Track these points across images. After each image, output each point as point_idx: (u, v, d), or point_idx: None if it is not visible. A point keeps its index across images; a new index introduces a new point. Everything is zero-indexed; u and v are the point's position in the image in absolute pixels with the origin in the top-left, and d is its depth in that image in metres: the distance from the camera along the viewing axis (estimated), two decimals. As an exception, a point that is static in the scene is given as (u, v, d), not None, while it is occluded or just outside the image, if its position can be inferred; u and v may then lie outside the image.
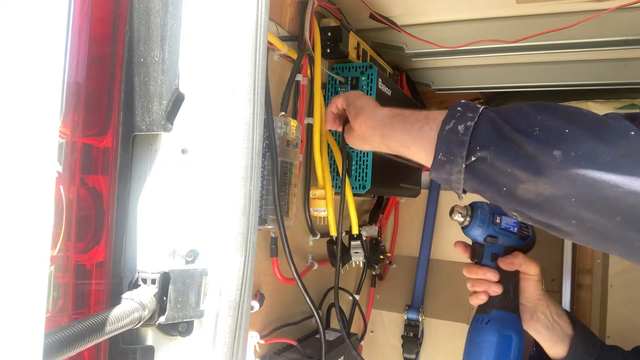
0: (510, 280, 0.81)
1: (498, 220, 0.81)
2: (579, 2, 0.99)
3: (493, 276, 0.80)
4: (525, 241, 0.84)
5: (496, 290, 0.80)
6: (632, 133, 0.52)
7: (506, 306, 0.81)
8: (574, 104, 1.46)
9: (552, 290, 1.51)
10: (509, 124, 0.58)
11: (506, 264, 0.81)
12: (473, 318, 0.83)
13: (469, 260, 0.86)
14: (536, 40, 1.09)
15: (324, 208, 1.03)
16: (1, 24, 0.34)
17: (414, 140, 0.70)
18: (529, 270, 0.81)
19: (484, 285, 0.81)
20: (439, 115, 0.67)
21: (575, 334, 0.80)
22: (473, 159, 0.59)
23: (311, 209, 1.06)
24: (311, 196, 1.04)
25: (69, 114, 0.50)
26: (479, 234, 0.81)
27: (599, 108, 1.44)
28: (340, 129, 0.91)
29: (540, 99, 1.51)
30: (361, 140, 0.83)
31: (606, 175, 0.50)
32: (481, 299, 0.82)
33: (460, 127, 0.61)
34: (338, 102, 0.89)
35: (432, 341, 1.59)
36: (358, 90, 0.97)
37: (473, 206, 0.82)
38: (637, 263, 0.56)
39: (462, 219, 0.81)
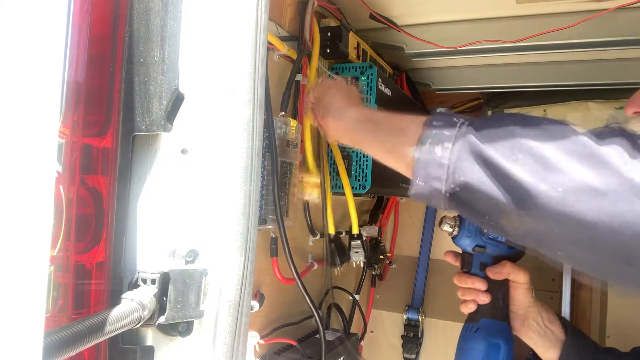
0: (499, 289, 0.82)
1: (486, 230, 0.82)
2: (579, 2, 0.99)
3: (481, 285, 0.81)
4: (513, 250, 0.84)
5: (484, 299, 0.81)
6: (625, 165, 0.47)
7: (495, 314, 0.82)
8: (574, 104, 1.46)
9: (552, 290, 1.51)
10: (491, 147, 0.52)
11: (494, 273, 0.81)
12: (463, 327, 0.84)
13: None
14: (536, 40, 1.09)
15: (310, 192, 1.01)
16: (1, 24, 0.34)
17: (388, 155, 0.67)
18: (517, 278, 0.81)
19: (472, 294, 0.81)
20: (410, 128, 0.62)
21: (567, 338, 0.81)
22: (452, 186, 0.55)
23: (298, 192, 1.03)
24: (299, 179, 1.02)
25: (68, 114, 0.50)
26: (467, 243, 0.83)
27: (599, 108, 1.44)
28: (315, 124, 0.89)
29: (540, 98, 1.51)
30: (334, 139, 0.81)
31: (595, 216, 0.46)
32: (470, 308, 0.82)
33: (438, 149, 0.56)
34: (310, 97, 0.87)
35: (432, 341, 1.59)
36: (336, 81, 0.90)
37: (461, 216, 0.83)
38: (630, 289, 0.55)
39: (450, 229, 0.82)
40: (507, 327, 0.82)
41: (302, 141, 1.01)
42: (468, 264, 0.84)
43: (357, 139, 0.75)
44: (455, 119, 0.58)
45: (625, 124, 0.71)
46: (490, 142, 0.53)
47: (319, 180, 1.02)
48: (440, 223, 0.83)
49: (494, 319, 0.81)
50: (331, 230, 1.11)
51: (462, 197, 0.55)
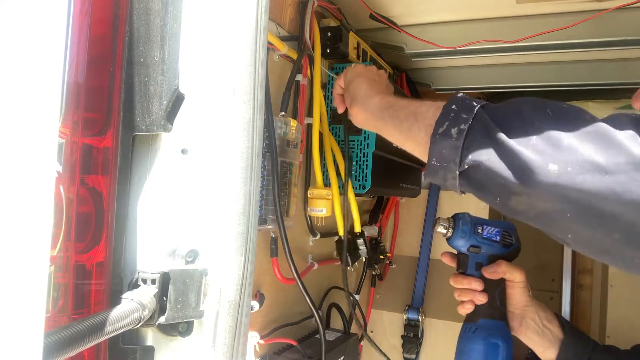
0: (496, 289, 0.82)
1: (480, 230, 0.82)
2: (579, 2, 0.99)
3: (478, 285, 0.81)
4: (508, 249, 0.85)
5: (481, 299, 0.81)
6: (636, 148, 0.48)
7: (492, 314, 0.82)
8: (574, 104, 1.46)
9: (552, 290, 1.51)
10: (504, 130, 0.54)
11: (489, 272, 0.82)
12: (461, 327, 0.84)
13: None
14: (536, 40, 1.09)
15: (321, 208, 1.03)
16: (1, 24, 0.34)
17: (405, 140, 0.69)
18: (513, 277, 0.82)
19: (469, 294, 0.82)
20: (428, 112, 0.64)
21: (565, 337, 0.81)
22: (466, 166, 0.56)
23: (309, 209, 1.05)
24: (309, 195, 1.04)
25: (69, 114, 0.50)
26: (461, 244, 0.83)
27: (599, 108, 1.44)
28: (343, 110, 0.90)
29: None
30: (362, 126, 0.83)
31: (604, 193, 0.47)
32: (468, 308, 0.82)
33: (454, 131, 0.58)
34: (340, 82, 0.89)
35: (432, 341, 1.59)
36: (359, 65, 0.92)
37: (455, 217, 0.83)
38: (637, 274, 0.55)
39: (444, 231, 0.83)
40: (505, 327, 0.82)
41: (304, 143, 1.01)
42: (464, 265, 0.84)
43: (379, 127, 0.76)
44: (474, 102, 0.59)
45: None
46: (502, 124, 0.55)
47: (329, 194, 1.04)
48: (435, 224, 0.83)
49: (491, 318, 0.82)
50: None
51: (473, 177, 0.57)
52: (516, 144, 0.52)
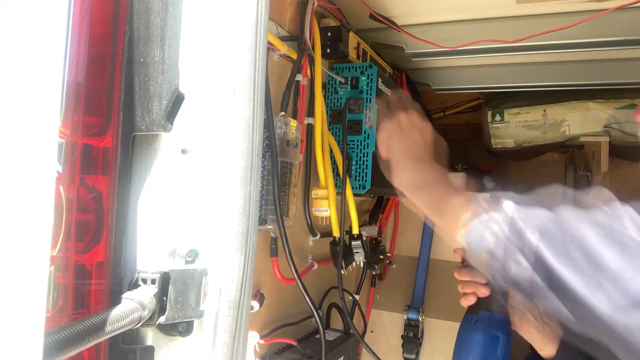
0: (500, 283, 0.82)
1: None
2: (579, 2, 0.99)
3: (481, 278, 0.82)
4: None
5: (484, 292, 0.81)
6: None
7: (494, 308, 0.82)
8: (574, 104, 1.46)
9: (552, 290, 1.51)
10: (544, 244, 0.53)
11: None
12: (462, 318, 0.84)
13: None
14: (536, 40, 1.09)
15: (326, 208, 1.03)
16: (1, 24, 0.34)
17: (440, 231, 0.71)
18: None
19: (472, 287, 0.82)
20: (457, 209, 0.65)
21: (565, 334, 0.81)
22: (510, 279, 0.57)
23: (313, 209, 1.06)
24: (313, 196, 1.04)
25: (69, 114, 0.50)
26: None
27: (599, 108, 1.44)
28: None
29: (540, 98, 1.51)
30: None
31: None
32: (470, 300, 0.83)
33: (489, 237, 0.58)
34: (386, 121, 0.88)
35: (432, 341, 1.59)
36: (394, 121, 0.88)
37: None
38: None
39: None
40: (506, 321, 0.82)
41: (304, 143, 1.01)
42: None
43: (415, 202, 0.79)
44: (528, 233, 0.57)
45: (625, 123, 0.71)
46: (540, 239, 0.54)
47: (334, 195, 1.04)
48: None
49: (492, 311, 0.82)
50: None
51: (522, 287, 0.56)
52: (557, 264, 0.52)
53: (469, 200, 0.64)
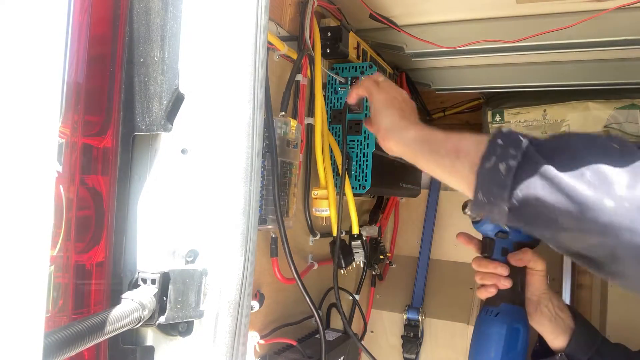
0: (518, 275, 0.83)
1: None
2: (579, 2, 0.99)
3: (503, 270, 0.82)
4: (533, 237, 0.85)
5: (506, 284, 0.81)
6: None
7: (514, 300, 0.82)
8: (574, 104, 1.46)
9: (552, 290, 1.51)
10: (556, 165, 0.53)
11: (516, 259, 0.82)
12: (481, 310, 0.84)
13: (473, 255, 0.87)
14: (536, 40, 1.09)
15: (326, 208, 1.03)
16: (1, 24, 0.34)
17: (447, 175, 0.69)
18: (536, 266, 0.83)
19: (493, 279, 0.82)
20: (470, 148, 0.63)
21: (576, 326, 0.82)
22: (516, 202, 0.56)
23: (313, 209, 1.06)
24: (313, 196, 1.04)
25: (69, 114, 0.50)
26: (490, 229, 0.83)
27: (599, 108, 1.44)
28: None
29: (540, 98, 1.51)
30: (397, 155, 0.83)
31: None
32: (490, 292, 0.83)
33: (502, 167, 0.57)
34: (361, 91, 0.89)
35: (432, 341, 1.59)
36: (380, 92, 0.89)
37: None
38: None
39: (475, 214, 0.81)
40: (524, 312, 0.83)
41: (304, 143, 1.01)
42: (490, 249, 0.84)
43: (417, 160, 0.77)
44: (520, 136, 0.59)
45: (625, 123, 0.72)
46: (553, 159, 0.54)
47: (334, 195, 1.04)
48: (464, 207, 0.81)
49: (513, 304, 0.82)
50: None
51: (523, 212, 0.56)
52: (569, 179, 0.52)
53: (480, 140, 0.62)
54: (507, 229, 0.82)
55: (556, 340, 0.82)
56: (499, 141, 0.59)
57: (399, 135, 0.79)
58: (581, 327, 0.82)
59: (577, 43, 1.14)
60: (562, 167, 0.53)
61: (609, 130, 1.43)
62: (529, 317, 0.83)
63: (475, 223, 0.83)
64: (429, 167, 0.73)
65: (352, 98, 0.93)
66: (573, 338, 0.81)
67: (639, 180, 0.49)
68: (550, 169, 0.53)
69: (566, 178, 0.52)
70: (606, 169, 0.51)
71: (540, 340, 0.85)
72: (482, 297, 0.85)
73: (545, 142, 0.58)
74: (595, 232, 0.50)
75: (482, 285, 0.84)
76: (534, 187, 0.54)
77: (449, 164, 0.67)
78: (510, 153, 0.57)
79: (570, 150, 0.55)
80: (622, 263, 0.51)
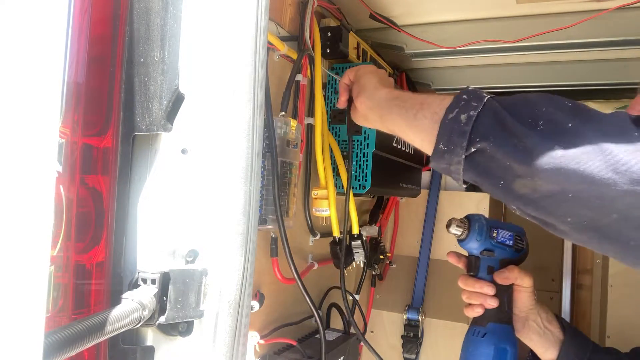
0: (505, 293, 0.82)
1: (495, 234, 0.82)
2: (579, 2, 0.99)
3: (490, 290, 0.81)
4: (519, 254, 0.85)
5: (492, 303, 0.81)
6: (636, 134, 0.50)
7: (501, 318, 0.82)
8: (574, 104, 1.46)
9: (552, 290, 1.51)
10: (513, 115, 0.56)
11: (502, 278, 0.82)
12: (468, 330, 0.84)
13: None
14: (536, 40, 1.09)
15: (326, 208, 1.03)
16: (1, 24, 0.34)
17: (409, 127, 0.70)
18: (523, 282, 0.82)
19: (480, 298, 0.82)
20: (434, 102, 0.66)
21: (565, 337, 0.81)
22: (473, 150, 0.58)
23: (313, 209, 1.06)
24: (313, 196, 1.04)
25: (69, 114, 0.50)
26: (475, 247, 0.82)
27: (599, 108, 1.43)
28: (345, 104, 0.93)
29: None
30: (363, 118, 0.86)
31: (605, 174, 0.49)
32: (477, 312, 0.82)
33: (463, 117, 0.59)
34: (350, 75, 0.91)
35: (432, 341, 1.59)
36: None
37: (470, 219, 0.82)
38: (631, 265, 0.55)
39: (459, 232, 0.81)
40: (512, 331, 0.82)
41: (304, 143, 1.01)
42: (475, 268, 0.83)
43: (384, 115, 0.79)
44: (484, 93, 0.62)
45: None
46: (511, 109, 0.57)
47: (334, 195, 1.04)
48: (449, 226, 0.82)
49: (500, 322, 0.82)
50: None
51: (479, 160, 0.59)
52: (523, 127, 0.54)
53: (444, 97, 0.65)
54: (492, 246, 0.82)
55: (546, 353, 0.82)
56: (464, 96, 0.62)
57: (370, 93, 0.82)
58: (570, 338, 0.82)
59: (577, 43, 1.15)
60: (518, 116, 0.56)
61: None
62: (517, 332, 0.83)
63: (460, 241, 0.83)
64: (394, 121, 0.75)
65: (342, 102, 0.94)
66: (562, 350, 0.81)
67: (586, 127, 0.52)
68: (507, 117, 0.56)
69: (520, 126, 0.54)
70: (558, 118, 0.54)
71: (532, 353, 0.85)
72: (469, 315, 0.84)
73: (505, 97, 0.61)
74: (545, 177, 0.52)
75: (469, 305, 0.83)
76: (491, 133, 0.57)
77: (412, 116, 0.69)
78: (472, 104, 0.60)
79: (528, 103, 0.58)
80: (571, 207, 0.53)
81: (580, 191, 0.51)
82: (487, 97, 0.60)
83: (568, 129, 0.53)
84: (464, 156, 0.59)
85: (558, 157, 0.51)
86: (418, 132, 0.68)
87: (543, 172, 0.52)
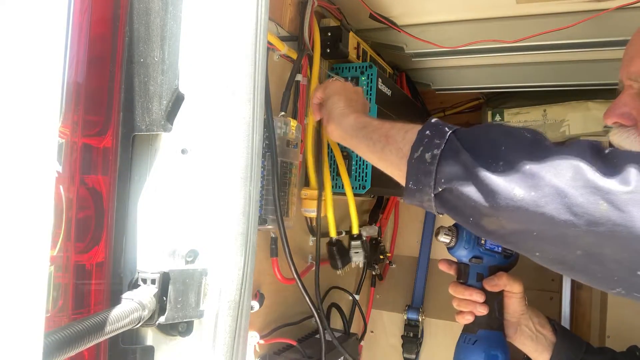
0: (495, 299, 0.83)
1: (483, 241, 0.82)
2: (579, 2, 0.99)
3: (479, 297, 0.82)
4: (509, 260, 0.85)
5: (482, 310, 0.81)
6: (592, 170, 0.51)
7: (491, 325, 0.82)
8: (574, 104, 1.46)
9: (552, 290, 1.51)
10: (474, 156, 0.57)
11: (491, 285, 0.82)
12: (460, 337, 0.84)
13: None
14: (536, 40, 1.09)
15: (314, 209, 1.03)
16: (1, 24, 0.34)
17: (379, 160, 0.72)
18: (512, 289, 0.83)
19: (469, 305, 0.82)
20: (398, 135, 0.68)
21: (557, 340, 0.82)
22: (440, 189, 0.59)
23: (302, 209, 1.05)
24: (302, 196, 1.04)
25: (69, 114, 0.50)
26: (464, 254, 0.83)
27: (599, 108, 1.44)
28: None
29: (540, 98, 1.51)
30: (337, 142, 0.88)
31: (563, 216, 0.50)
32: (467, 319, 0.83)
33: (427, 156, 0.61)
34: (319, 94, 0.91)
35: (432, 341, 1.59)
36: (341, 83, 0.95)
37: (458, 227, 0.83)
38: (602, 290, 0.56)
39: (447, 240, 0.82)
40: (503, 337, 0.82)
41: (304, 143, 1.01)
42: (464, 275, 0.84)
43: (353, 145, 0.80)
44: (446, 128, 0.62)
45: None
46: (473, 149, 0.58)
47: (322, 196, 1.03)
48: (437, 234, 0.83)
49: (490, 329, 0.82)
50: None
51: (447, 199, 0.60)
52: (484, 169, 0.55)
53: (408, 129, 0.67)
54: (480, 253, 0.82)
55: (541, 357, 0.83)
56: (427, 132, 0.63)
57: (338, 120, 0.83)
58: (562, 340, 0.82)
59: (577, 43, 1.14)
60: (479, 157, 0.57)
61: (609, 130, 1.43)
62: (510, 338, 0.83)
63: (450, 249, 0.84)
64: (364, 153, 0.77)
65: (316, 114, 0.94)
66: (554, 352, 0.82)
67: (544, 168, 0.53)
68: (469, 159, 0.57)
69: (482, 168, 0.56)
70: (516, 158, 0.55)
71: (527, 358, 0.86)
72: (460, 322, 0.85)
73: (468, 132, 0.61)
74: (508, 217, 0.54)
75: (460, 312, 0.84)
76: (455, 175, 0.58)
77: (379, 150, 0.71)
78: (435, 142, 0.61)
79: (489, 140, 0.58)
80: (537, 244, 0.55)
81: (543, 231, 0.52)
82: (449, 133, 0.61)
83: (526, 170, 0.53)
84: (433, 195, 0.60)
85: (518, 199, 0.52)
86: (387, 166, 0.71)
87: (506, 212, 0.54)
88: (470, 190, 0.56)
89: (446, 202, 0.60)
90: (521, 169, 0.54)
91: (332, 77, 1.12)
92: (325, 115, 0.86)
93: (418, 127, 0.65)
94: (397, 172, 0.67)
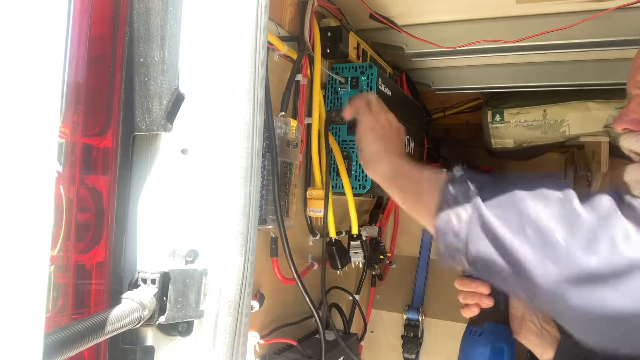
0: (501, 293, 0.83)
1: None
2: (579, 2, 0.99)
3: (485, 289, 0.82)
4: None
5: (488, 303, 0.81)
6: (621, 238, 0.52)
7: (497, 318, 0.82)
8: (574, 104, 1.46)
9: (552, 290, 1.52)
10: (502, 222, 0.58)
11: None
12: (466, 329, 0.84)
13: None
14: (536, 40, 1.09)
15: (320, 209, 1.03)
16: (1, 24, 0.34)
17: (411, 211, 0.76)
18: None
19: (475, 297, 0.82)
20: (427, 192, 0.70)
21: (562, 337, 0.82)
22: (471, 258, 0.61)
23: (308, 209, 1.05)
24: (308, 196, 1.04)
25: (69, 114, 0.50)
26: None
27: (599, 108, 1.44)
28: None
29: (540, 98, 1.51)
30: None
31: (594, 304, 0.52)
32: (473, 312, 0.83)
33: (454, 219, 0.62)
34: (348, 113, 0.95)
35: (432, 341, 1.59)
36: (369, 117, 0.92)
37: None
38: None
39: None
40: (508, 330, 0.82)
41: (304, 143, 1.01)
42: None
43: (389, 192, 0.84)
44: (470, 185, 0.64)
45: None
46: (499, 216, 0.59)
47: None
48: None
49: (496, 322, 0.82)
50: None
51: (479, 266, 0.61)
52: (513, 238, 0.57)
53: (436, 180, 0.69)
54: None
55: (544, 353, 0.83)
56: (451, 190, 0.65)
57: (373, 167, 0.86)
58: (566, 336, 0.82)
59: (577, 43, 1.14)
60: (507, 224, 0.58)
61: (609, 130, 1.43)
62: (515, 333, 0.83)
63: None
64: (399, 202, 0.81)
65: (348, 114, 0.96)
66: (559, 350, 0.82)
67: (575, 241, 0.53)
68: (496, 227, 0.58)
69: (510, 235, 0.57)
70: (543, 228, 0.55)
71: (530, 353, 0.85)
72: (466, 316, 0.85)
73: (494, 199, 0.62)
74: (534, 291, 0.55)
75: (466, 305, 0.84)
76: (480, 244, 0.59)
77: (412, 205, 0.76)
78: (460, 202, 0.63)
79: (514, 205, 0.59)
80: (564, 316, 0.57)
81: (566, 309, 0.55)
82: (474, 198, 0.62)
83: (557, 243, 0.54)
84: (466, 262, 0.62)
85: (552, 277, 0.54)
86: (418, 217, 0.74)
87: (532, 288, 0.55)
88: (498, 261, 0.58)
89: (478, 268, 0.62)
90: (553, 239, 0.54)
91: (333, 76, 1.12)
92: (360, 155, 0.89)
93: (444, 179, 0.67)
94: (428, 223, 0.69)
